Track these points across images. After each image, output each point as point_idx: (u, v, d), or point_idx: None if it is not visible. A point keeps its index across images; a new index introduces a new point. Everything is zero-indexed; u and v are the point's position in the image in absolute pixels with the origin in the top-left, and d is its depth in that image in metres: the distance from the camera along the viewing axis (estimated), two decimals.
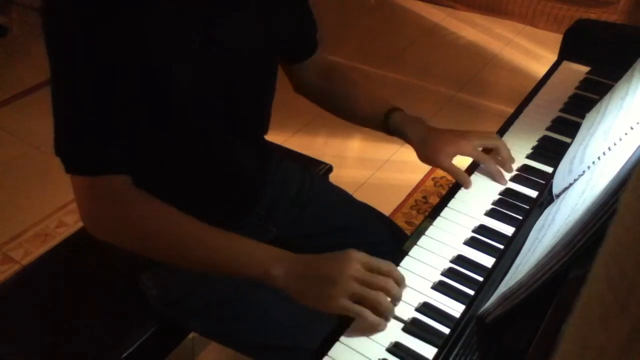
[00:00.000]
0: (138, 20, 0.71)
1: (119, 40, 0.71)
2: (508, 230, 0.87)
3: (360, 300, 0.72)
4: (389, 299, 0.73)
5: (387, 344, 0.72)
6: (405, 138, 0.99)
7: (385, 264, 0.75)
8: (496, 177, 0.94)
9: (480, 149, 0.97)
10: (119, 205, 0.78)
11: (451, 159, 0.95)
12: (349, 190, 1.16)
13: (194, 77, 0.80)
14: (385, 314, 0.73)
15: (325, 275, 0.73)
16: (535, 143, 1.03)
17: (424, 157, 0.98)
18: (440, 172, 2.10)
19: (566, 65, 1.24)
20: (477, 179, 0.96)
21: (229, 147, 0.91)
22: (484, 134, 0.97)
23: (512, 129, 1.07)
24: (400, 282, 0.76)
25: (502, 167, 0.97)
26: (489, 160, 0.95)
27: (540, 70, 2.32)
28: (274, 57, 0.95)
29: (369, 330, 0.73)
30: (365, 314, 0.71)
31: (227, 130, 0.89)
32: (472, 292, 0.77)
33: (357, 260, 0.73)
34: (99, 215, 0.80)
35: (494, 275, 0.78)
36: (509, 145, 1.00)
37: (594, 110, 0.96)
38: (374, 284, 0.72)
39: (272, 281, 0.75)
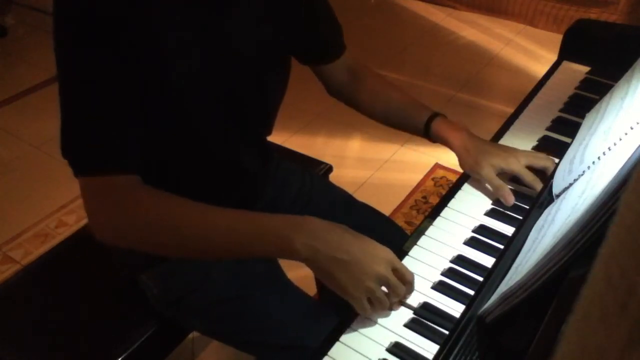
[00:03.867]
0: (143, 20, 0.71)
1: (124, 41, 0.71)
2: (508, 230, 0.87)
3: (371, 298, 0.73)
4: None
5: (387, 344, 0.72)
6: (448, 145, 0.96)
7: (409, 274, 0.75)
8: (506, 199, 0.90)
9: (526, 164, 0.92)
10: (133, 204, 0.77)
11: (495, 172, 0.90)
12: (349, 190, 1.16)
13: (199, 76, 0.80)
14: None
15: (356, 263, 0.71)
16: (535, 143, 1.03)
17: (466, 167, 0.94)
18: (440, 172, 2.10)
19: (566, 65, 1.24)
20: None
21: (231, 148, 0.91)
22: (534, 154, 0.94)
23: (512, 129, 1.07)
24: (411, 291, 0.78)
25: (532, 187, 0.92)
26: (536, 180, 0.90)
27: (540, 70, 2.32)
28: (281, 58, 0.94)
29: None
30: (370, 315, 0.73)
31: (230, 130, 0.89)
32: (472, 292, 0.77)
33: (390, 262, 0.73)
34: (112, 217, 0.77)
35: (494, 275, 0.78)
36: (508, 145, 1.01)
37: (594, 110, 0.96)
38: (396, 292, 0.73)
39: (295, 254, 0.72)
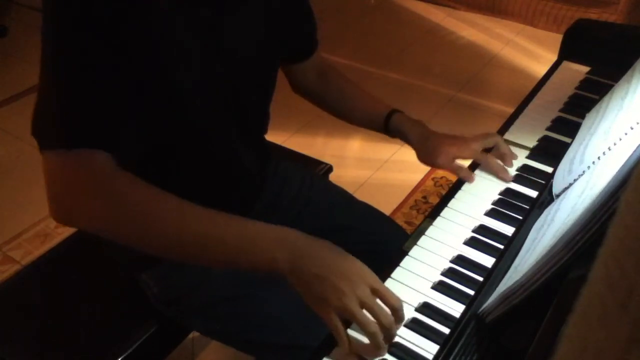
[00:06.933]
0: (144, 17, 0.71)
1: (124, 35, 0.70)
2: (508, 230, 0.87)
3: (348, 319, 0.68)
4: (381, 336, 0.68)
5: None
6: (406, 139, 1.02)
7: (394, 299, 0.70)
8: (499, 174, 0.95)
9: (480, 149, 0.98)
10: (111, 188, 0.70)
11: (451, 160, 0.96)
12: (349, 190, 1.16)
13: (200, 77, 0.79)
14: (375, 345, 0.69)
15: (331, 280, 0.68)
16: (535, 143, 1.03)
17: (423, 158, 1.00)
18: (440, 172, 2.10)
19: (566, 65, 1.24)
20: (477, 178, 0.96)
21: (230, 148, 0.91)
22: (482, 136, 0.99)
23: (512, 129, 1.07)
24: (401, 320, 0.72)
25: (503, 162, 0.98)
26: (489, 157, 0.96)
27: (540, 70, 2.32)
28: (276, 58, 0.95)
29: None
30: (342, 339, 0.68)
31: (229, 130, 0.89)
32: (472, 292, 0.77)
33: (369, 282, 0.69)
34: (82, 199, 0.70)
35: (494, 275, 0.78)
36: (509, 145, 1.01)
37: (594, 110, 0.96)
38: (374, 313, 0.68)
39: (275, 265, 0.69)
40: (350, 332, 0.73)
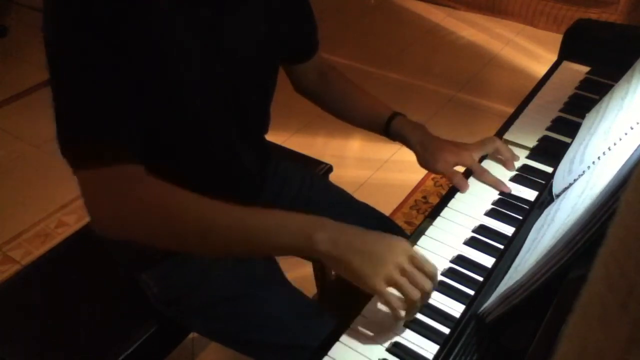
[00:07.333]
0: (144, 17, 0.71)
1: (124, 35, 0.70)
2: (508, 230, 0.87)
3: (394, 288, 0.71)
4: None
5: (387, 344, 0.72)
6: (406, 142, 1.02)
7: (430, 266, 0.73)
8: (497, 187, 0.94)
9: (479, 157, 0.99)
10: (144, 193, 0.74)
11: (450, 167, 0.96)
12: (349, 190, 1.16)
13: (200, 77, 0.79)
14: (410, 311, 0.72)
15: (374, 252, 0.71)
16: (535, 143, 1.03)
17: (423, 162, 1.00)
18: None
19: (566, 65, 1.24)
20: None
21: (230, 148, 0.91)
22: (482, 143, 0.99)
23: (512, 129, 1.07)
24: (436, 285, 0.74)
25: (505, 166, 0.98)
26: (486, 173, 0.96)
27: (540, 70, 2.32)
28: (276, 58, 0.95)
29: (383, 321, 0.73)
30: (396, 305, 0.70)
31: (229, 130, 0.89)
32: (472, 292, 0.77)
33: (407, 252, 0.72)
34: (119, 208, 0.74)
35: (494, 275, 0.78)
36: (508, 146, 1.01)
37: (594, 110, 0.96)
38: (415, 281, 0.71)
39: (315, 246, 0.71)
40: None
